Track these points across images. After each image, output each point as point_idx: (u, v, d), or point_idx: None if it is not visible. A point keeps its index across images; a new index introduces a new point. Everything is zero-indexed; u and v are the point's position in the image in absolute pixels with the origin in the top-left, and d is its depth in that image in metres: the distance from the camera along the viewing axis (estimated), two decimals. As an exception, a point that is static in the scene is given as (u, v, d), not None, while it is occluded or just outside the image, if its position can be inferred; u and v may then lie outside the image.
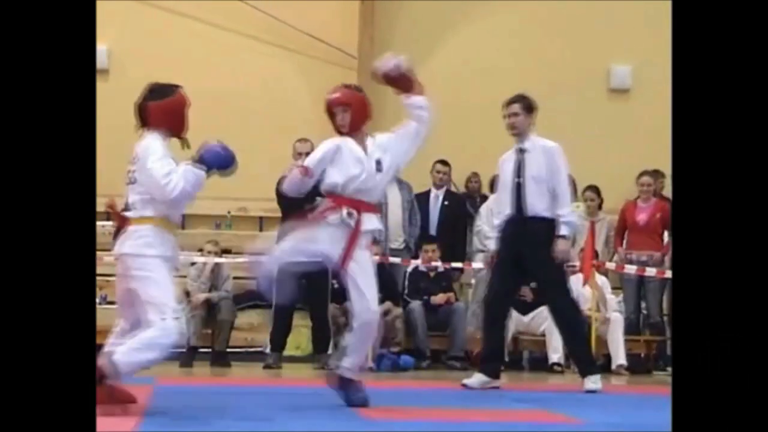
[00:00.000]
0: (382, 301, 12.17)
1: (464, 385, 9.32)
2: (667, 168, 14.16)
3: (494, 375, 9.48)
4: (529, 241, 9.32)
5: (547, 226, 9.30)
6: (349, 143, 7.40)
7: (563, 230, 9.29)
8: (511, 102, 9.61)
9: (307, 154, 12.04)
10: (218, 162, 6.60)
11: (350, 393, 7.18)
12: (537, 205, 9.33)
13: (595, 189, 13.95)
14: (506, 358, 12.34)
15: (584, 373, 9.52)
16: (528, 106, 9.58)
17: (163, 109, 6.56)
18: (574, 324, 9.62)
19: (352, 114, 7.44)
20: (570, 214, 9.41)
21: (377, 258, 12.03)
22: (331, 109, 7.50)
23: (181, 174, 6.41)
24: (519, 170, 9.42)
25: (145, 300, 6.29)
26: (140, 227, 6.43)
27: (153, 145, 6.46)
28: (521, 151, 9.49)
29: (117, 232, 6.54)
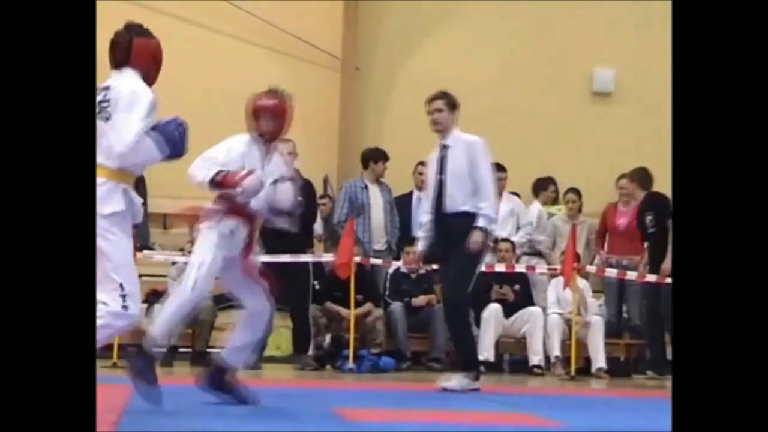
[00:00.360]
0: (362, 302, 12.26)
1: (444, 389, 9.28)
2: (652, 170, 14.22)
3: (473, 377, 9.47)
4: (449, 238, 9.26)
5: (468, 221, 9.21)
6: (255, 149, 7.30)
7: (480, 222, 9.18)
8: (434, 98, 9.56)
9: (289, 153, 12.10)
10: (174, 150, 6.12)
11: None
12: (457, 200, 9.26)
13: (576, 191, 13.96)
14: (492, 359, 12.38)
15: (461, 368, 9.47)
16: (451, 102, 9.54)
17: (147, 49, 6.08)
18: (461, 324, 9.53)
19: (278, 124, 7.37)
20: (489, 208, 9.27)
21: (359, 259, 12.06)
22: (258, 113, 7.35)
23: (149, 144, 5.82)
24: (441, 167, 9.39)
25: (103, 274, 5.54)
26: (99, 179, 5.59)
27: (143, 95, 5.85)
28: (444, 148, 9.45)
29: None
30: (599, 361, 12.33)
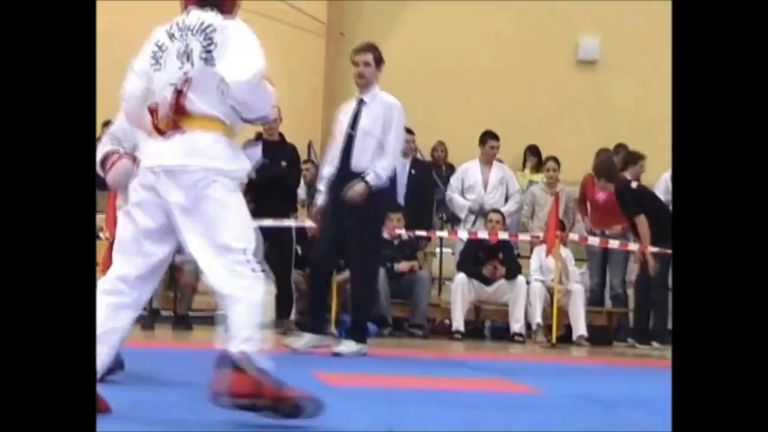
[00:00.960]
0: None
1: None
2: (633, 141, 14.23)
3: (319, 330, 9.30)
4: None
5: None
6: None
7: (369, 176, 8.94)
8: (363, 50, 9.30)
9: (273, 120, 12.08)
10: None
11: None
12: (364, 159, 9.05)
13: (555, 160, 13.92)
14: (462, 328, 12.42)
15: (347, 334, 9.31)
16: (379, 58, 9.28)
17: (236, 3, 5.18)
18: (364, 289, 9.39)
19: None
20: (384, 169, 9.02)
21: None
22: None
23: (267, 92, 4.93)
24: (354, 122, 9.17)
25: (219, 236, 4.75)
26: (208, 134, 4.83)
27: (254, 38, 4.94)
28: (361, 103, 9.24)
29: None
30: (579, 329, 12.37)
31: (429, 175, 13.99)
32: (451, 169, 14.46)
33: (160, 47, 4.95)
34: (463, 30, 15.78)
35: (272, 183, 11.97)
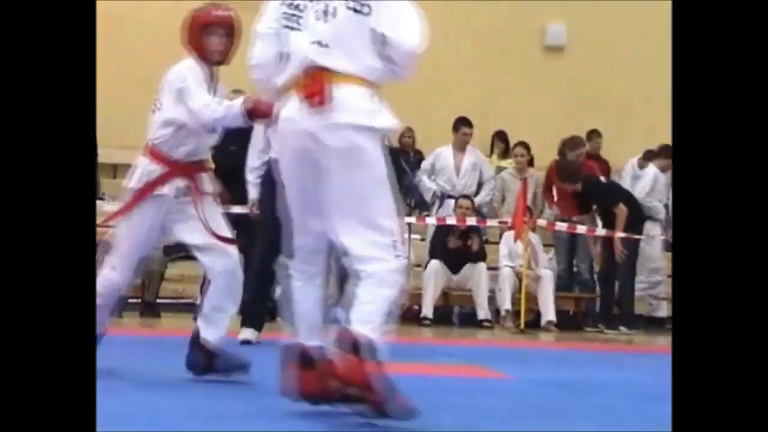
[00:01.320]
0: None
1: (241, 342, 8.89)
2: (602, 125, 14.28)
3: (259, 327, 9.29)
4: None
5: None
6: (203, 77, 6.10)
7: None
8: None
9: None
10: None
11: None
12: None
13: (524, 145, 13.92)
14: (431, 315, 12.43)
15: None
16: None
17: None
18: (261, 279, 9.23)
19: (230, 42, 6.06)
20: None
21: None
22: (210, 28, 6.02)
23: None
24: None
25: (369, 211, 4.49)
26: (355, 90, 4.58)
27: None
28: None
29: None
30: (548, 314, 12.39)
31: (397, 162, 13.95)
32: (420, 155, 14.46)
33: (295, 6, 4.63)
34: (431, 15, 15.73)
35: (240, 168, 11.90)
